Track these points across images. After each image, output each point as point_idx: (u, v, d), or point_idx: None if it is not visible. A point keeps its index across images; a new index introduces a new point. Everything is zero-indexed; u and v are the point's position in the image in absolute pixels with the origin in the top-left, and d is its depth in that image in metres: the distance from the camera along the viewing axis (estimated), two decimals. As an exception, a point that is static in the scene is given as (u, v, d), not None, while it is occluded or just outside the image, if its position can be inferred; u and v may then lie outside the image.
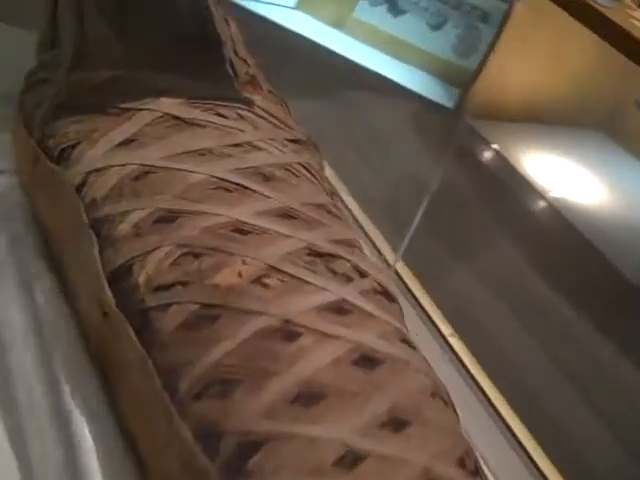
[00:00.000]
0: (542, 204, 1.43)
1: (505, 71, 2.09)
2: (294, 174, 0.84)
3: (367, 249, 1.08)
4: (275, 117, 0.90)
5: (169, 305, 0.64)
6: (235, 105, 0.87)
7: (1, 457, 0.60)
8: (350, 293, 0.71)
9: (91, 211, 0.72)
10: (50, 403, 0.65)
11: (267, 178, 0.80)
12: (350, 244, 0.78)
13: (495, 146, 1.76)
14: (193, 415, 0.59)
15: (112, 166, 0.74)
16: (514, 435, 0.93)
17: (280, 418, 0.58)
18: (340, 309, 0.69)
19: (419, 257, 1.10)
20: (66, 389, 0.65)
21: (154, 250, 0.67)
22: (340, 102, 1.54)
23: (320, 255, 0.73)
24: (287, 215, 0.76)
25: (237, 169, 0.78)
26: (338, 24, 2.24)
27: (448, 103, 2.11)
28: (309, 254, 0.73)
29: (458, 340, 1.01)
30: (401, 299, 1.04)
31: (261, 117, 0.88)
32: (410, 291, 1.06)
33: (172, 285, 0.65)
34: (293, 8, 2.28)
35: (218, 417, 0.58)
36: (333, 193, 0.90)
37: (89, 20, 0.88)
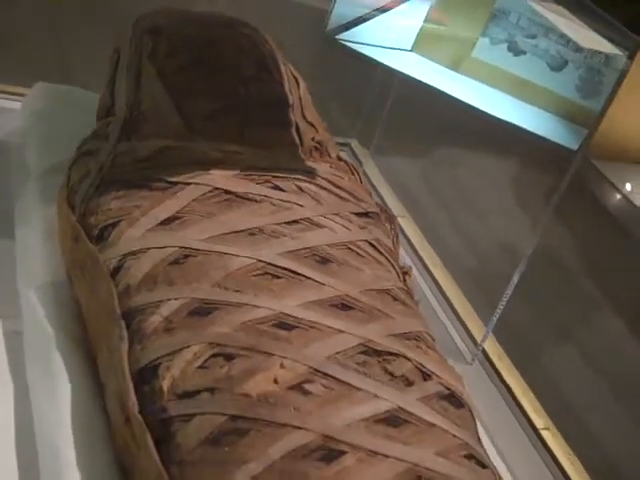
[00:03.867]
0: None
1: (630, 113, 2.01)
2: (358, 254, 0.75)
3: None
4: (341, 188, 0.82)
5: (193, 415, 0.56)
6: (295, 176, 0.79)
7: None
8: (408, 400, 0.61)
9: (124, 299, 0.65)
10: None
11: (323, 261, 0.72)
12: (416, 338, 0.69)
13: (621, 187, 1.63)
14: None
15: (149, 248, 0.68)
16: None
17: None
18: (394, 420, 0.59)
19: (512, 333, 0.99)
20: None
21: (182, 349, 0.60)
22: (447, 154, 1.45)
23: (377, 353, 0.64)
24: (342, 305, 0.68)
25: (289, 251, 0.70)
26: (456, 65, 2.17)
27: (573, 145, 2.00)
28: (363, 352, 0.64)
29: (553, 434, 0.90)
30: (487, 384, 0.95)
31: (325, 189, 0.80)
32: (498, 373, 0.95)
33: (198, 392, 0.58)
34: (409, 51, 2.20)
35: None
36: (406, 273, 0.81)
37: (147, 86, 0.82)
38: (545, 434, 0.90)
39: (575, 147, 1.99)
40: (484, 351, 0.96)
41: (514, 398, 0.93)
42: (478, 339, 0.96)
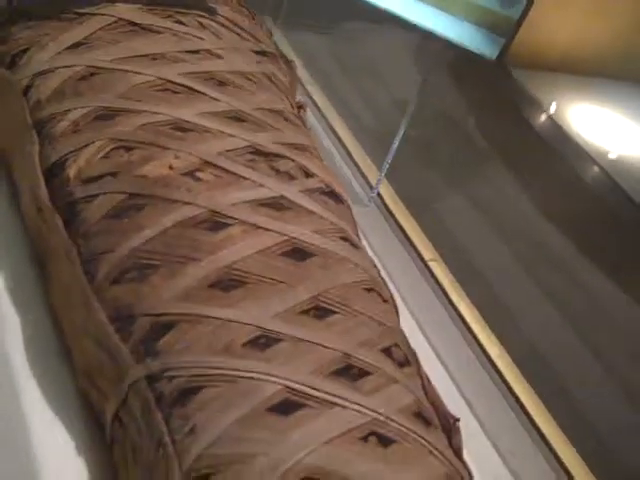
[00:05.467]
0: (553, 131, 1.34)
1: (547, 21, 2.08)
2: (253, 82, 0.82)
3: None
4: (242, 28, 0.89)
5: (96, 196, 0.64)
6: (197, 13, 0.85)
7: None
8: (290, 190, 0.69)
9: (35, 112, 0.72)
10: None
11: (221, 83, 0.78)
12: (302, 148, 0.77)
13: (532, 93, 1.71)
14: (109, 299, 0.58)
15: (58, 68, 0.74)
16: (489, 359, 0.91)
17: (195, 301, 0.57)
18: (276, 205, 0.67)
19: (404, 181, 1.07)
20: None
21: (87, 145, 0.67)
22: (354, 31, 1.51)
23: (264, 154, 0.72)
24: (235, 117, 0.75)
25: (189, 73, 0.77)
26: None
27: (491, 54, 2.07)
28: (251, 153, 0.71)
29: (439, 265, 0.99)
30: (382, 223, 1.04)
31: (225, 27, 0.87)
32: (392, 214, 1.04)
33: (101, 177, 0.65)
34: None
35: (133, 300, 0.58)
36: (301, 107, 0.89)
37: None
38: (432, 264, 0.99)
39: (494, 56, 2.07)
40: (380, 195, 1.04)
41: (405, 235, 1.02)
42: (373, 184, 1.04)
